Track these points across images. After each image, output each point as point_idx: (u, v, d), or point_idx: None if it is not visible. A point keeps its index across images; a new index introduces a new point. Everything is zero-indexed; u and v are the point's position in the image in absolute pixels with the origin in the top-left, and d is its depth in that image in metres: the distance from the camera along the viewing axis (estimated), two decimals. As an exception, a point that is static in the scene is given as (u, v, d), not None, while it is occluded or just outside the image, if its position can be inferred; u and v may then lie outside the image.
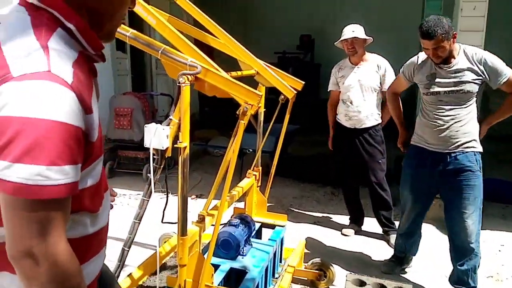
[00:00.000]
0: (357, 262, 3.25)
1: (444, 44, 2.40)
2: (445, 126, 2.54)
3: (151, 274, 2.48)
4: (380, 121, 3.58)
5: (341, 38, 3.47)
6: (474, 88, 2.47)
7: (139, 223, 1.94)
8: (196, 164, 5.73)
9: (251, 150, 4.16)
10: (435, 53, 2.45)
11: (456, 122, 2.52)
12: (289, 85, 2.67)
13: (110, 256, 3.08)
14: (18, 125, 0.72)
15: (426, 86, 2.60)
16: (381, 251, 3.46)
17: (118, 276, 2.01)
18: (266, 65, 2.62)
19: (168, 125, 1.82)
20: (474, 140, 2.55)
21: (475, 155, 2.55)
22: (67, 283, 0.78)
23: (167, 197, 1.94)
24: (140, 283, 2.40)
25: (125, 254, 1.99)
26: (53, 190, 0.74)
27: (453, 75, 2.50)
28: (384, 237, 3.67)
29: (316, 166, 5.85)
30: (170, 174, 1.99)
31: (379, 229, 3.73)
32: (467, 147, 2.54)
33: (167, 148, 1.82)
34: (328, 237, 3.69)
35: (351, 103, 3.52)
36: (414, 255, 3.09)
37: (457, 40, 2.51)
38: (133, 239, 1.98)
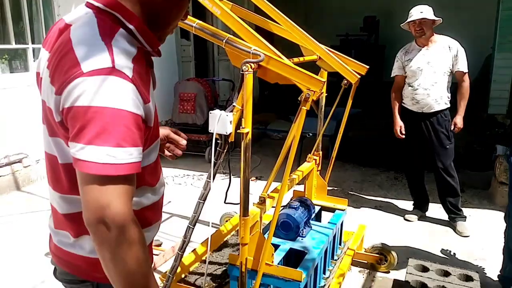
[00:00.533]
0: (419, 248, 3.19)
1: None
2: None
3: (213, 251, 2.62)
4: (449, 105, 3.45)
5: (408, 20, 3.35)
6: None
7: (204, 203, 2.05)
8: (256, 147, 5.83)
9: (311, 134, 4.17)
10: None
11: None
12: (352, 69, 2.64)
13: (177, 232, 3.30)
14: (90, 113, 0.85)
15: None
16: (446, 238, 3.37)
17: (184, 251, 2.15)
18: (328, 50, 2.61)
19: (232, 111, 1.89)
20: None
21: None
22: (133, 248, 0.89)
23: (230, 179, 2.03)
24: (203, 258, 2.55)
25: (190, 231, 2.11)
26: (119, 168, 0.86)
27: None
28: (451, 224, 3.56)
29: (379, 151, 5.72)
30: (232, 157, 2.07)
31: (444, 216, 3.62)
32: None
33: (230, 133, 1.90)
34: (390, 222, 3.65)
35: (419, 86, 3.40)
36: None
37: None
38: (197, 218, 2.10)
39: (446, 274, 2.49)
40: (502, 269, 2.62)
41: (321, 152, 2.94)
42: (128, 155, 0.87)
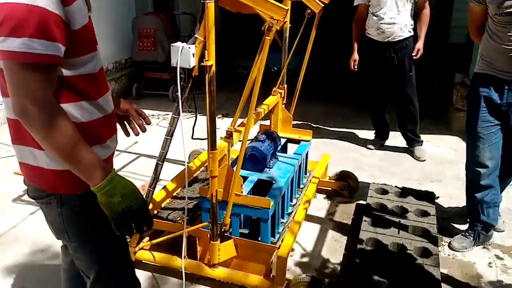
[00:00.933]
0: (380, 173, 3.36)
1: None
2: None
3: (183, 187, 2.67)
4: (412, 33, 3.47)
5: None
6: None
7: (171, 139, 2.05)
8: (220, 83, 5.74)
9: (275, 68, 4.14)
10: None
11: None
12: (314, -3, 2.59)
13: (145, 171, 3.30)
14: (7, 9, 0.97)
15: (500, 3, 2.10)
16: (405, 163, 3.55)
17: (154, 188, 2.18)
18: (290, -23, 2.52)
19: (194, 43, 1.84)
20: None
21: None
22: (58, 124, 1.04)
23: (196, 115, 2.02)
24: (174, 194, 2.60)
25: (159, 168, 2.13)
26: (35, 56, 0.99)
27: None
28: (409, 149, 3.74)
29: (343, 83, 5.79)
30: (197, 94, 2.04)
31: (403, 143, 3.79)
32: None
33: (193, 67, 1.86)
34: (353, 151, 3.80)
35: (384, 15, 3.39)
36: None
37: None
38: (165, 154, 2.11)
39: (404, 195, 2.66)
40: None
41: (286, 85, 2.95)
42: (43, 47, 0.99)
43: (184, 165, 2.99)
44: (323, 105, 5.05)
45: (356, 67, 3.66)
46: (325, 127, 4.40)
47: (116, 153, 3.78)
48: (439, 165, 3.49)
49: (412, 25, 3.46)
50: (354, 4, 3.60)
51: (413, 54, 3.46)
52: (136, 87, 5.40)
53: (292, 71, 4.26)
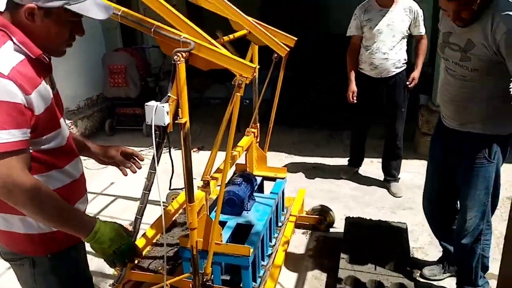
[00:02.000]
0: (355, 203, 3.45)
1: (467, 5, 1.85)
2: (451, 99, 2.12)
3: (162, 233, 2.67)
4: (405, 66, 3.43)
5: None
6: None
7: (149, 193, 2.07)
8: (193, 115, 5.79)
9: (247, 101, 4.22)
10: (457, 16, 1.91)
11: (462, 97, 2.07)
12: (281, 42, 2.69)
13: (123, 215, 3.26)
14: None
15: (440, 46, 2.15)
16: (378, 191, 3.65)
17: (134, 241, 2.18)
18: (257, 23, 2.62)
19: (167, 102, 1.88)
20: (484, 122, 2.04)
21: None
22: (42, 200, 1.15)
23: (173, 168, 2.05)
24: (154, 241, 2.60)
25: (138, 222, 2.13)
26: (4, 146, 1.10)
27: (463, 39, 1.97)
28: (384, 184, 3.72)
29: (314, 110, 5.92)
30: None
31: (375, 171, 3.91)
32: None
33: (168, 124, 1.90)
34: (327, 182, 3.88)
35: (377, 50, 3.32)
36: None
37: None
38: (144, 208, 2.12)
39: (379, 228, 2.75)
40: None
41: (258, 124, 3.02)
42: (11, 136, 1.10)
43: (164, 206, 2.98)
44: (297, 133, 5.15)
45: (354, 98, 3.50)
46: (299, 156, 4.49)
47: (92, 196, 3.74)
48: (410, 191, 3.61)
49: (405, 59, 3.41)
50: (347, 35, 3.51)
51: (408, 82, 3.41)
52: (109, 123, 5.38)
53: (265, 100, 4.37)
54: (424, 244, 2.87)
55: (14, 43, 1.19)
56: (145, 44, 6.24)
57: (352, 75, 3.52)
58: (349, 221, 2.85)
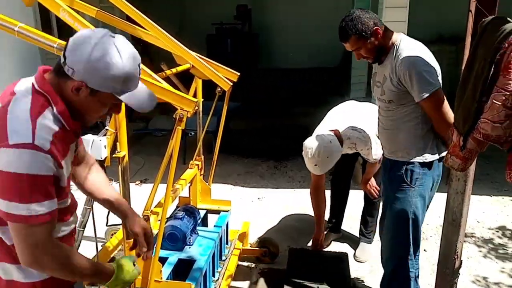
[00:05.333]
0: (298, 234, 3.49)
1: (361, 45, 2.08)
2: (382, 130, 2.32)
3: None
4: None
5: None
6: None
7: (83, 230, 1.98)
8: (138, 146, 5.68)
9: (192, 133, 4.21)
10: (359, 55, 2.15)
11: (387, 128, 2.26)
12: (224, 76, 2.73)
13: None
14: (12, 177, 1.10)
15: (371, 87, 2.36)
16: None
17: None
18: (200, 58, 2.65)
19: (105, 135, 1.84)
20: (407, 149, 2.17)
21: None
22: (69, 263, 1.21)
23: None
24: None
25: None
26: (37, 219, 1.13)
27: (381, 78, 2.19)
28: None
29: (259, 140, 6.02)
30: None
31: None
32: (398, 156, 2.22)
33: (105, 158, 1.85)
34: (272, 213, 3.89)
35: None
36: None
37: (382, 17, 2.38)
38: (79, 245, 2.03)
39: (321, 258, 2.79)
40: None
41: (202, 157, 3.01)
42: (44, 207, 1.14)
43: (103, 242, 2.84)
44: (242, 164, 5.18)
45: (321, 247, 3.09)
46: (244, 187, 4.50)
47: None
48: (350, 220, 3.67)
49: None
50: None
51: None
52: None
53: (211, 132, 4.38)
54: (365, 272, 2.94)
55: (53, 112, 1.19)
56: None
57: (320, 220, 3.06)
58: (292, 252, 2.87)
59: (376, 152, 2.70)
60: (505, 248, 3.24)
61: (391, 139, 2.25)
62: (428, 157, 2.15)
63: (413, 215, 2.19)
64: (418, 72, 1.98)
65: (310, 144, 2.62)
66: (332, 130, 2.70)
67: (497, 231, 3.49)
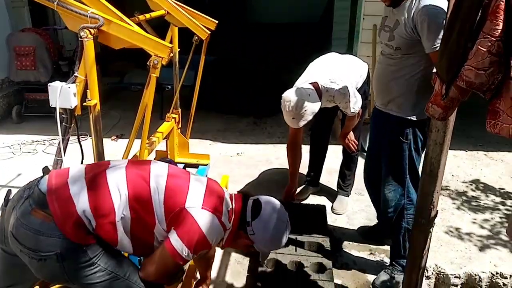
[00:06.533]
0: (279, 188, 3.49)
1: None
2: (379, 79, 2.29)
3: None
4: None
5: None
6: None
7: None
8: (113, 101, 5.51)
9: (169, 86, 4.08)
10: None
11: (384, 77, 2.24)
12: (202, 24, 2.61)
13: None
14: (199, 233, 1.48)
15: (378, 31, 2.29)
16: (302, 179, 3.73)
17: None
18: (176, 4, 2.52)
19: (74, 82, 1.74)
20: (399, 103, 2.19)
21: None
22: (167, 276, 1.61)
23: (82, 154, 1.91)
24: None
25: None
26: (183, 260, 1.50)
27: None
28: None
29: (239, 97, 5.91)
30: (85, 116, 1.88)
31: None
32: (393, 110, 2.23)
33: (75, 107, 1.76)
34: (252, 167, 3.88)
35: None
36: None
37: None
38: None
39: (299, 210, 2.80)
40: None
41: (180, 110, 2.93)
42: (189, 258, 1.52)
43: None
44: (222, 120, 5.10)
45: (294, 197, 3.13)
46: (223, 143, 4.46)
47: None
48: (328, 174, 3.68)
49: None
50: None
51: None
52: (17, 110, 4.92)
53: (188, 86, 4.26)
54: (342, 224, 2.99)
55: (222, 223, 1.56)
56: (58, 25, 5.77)
57: (294, 174, 3.04)
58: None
59: (354, 105, 2.67)
60: (477, 200, 3.33)
61: (386, 90, 2.24)
62: (418, 117, 2.16)
63: (409, 166, 2.25)
64: (437, 23, 1.92)
65: (289, 96, 2.56)
66: (311, 83, 2.64)
67: (471, 184, 3.58)
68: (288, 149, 3.00)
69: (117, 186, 1.46)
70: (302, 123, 2.63)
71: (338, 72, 2.75)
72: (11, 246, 1.46)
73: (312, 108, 2.57)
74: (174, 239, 1.46)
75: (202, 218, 1.48)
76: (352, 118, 2.83)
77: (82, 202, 1.41)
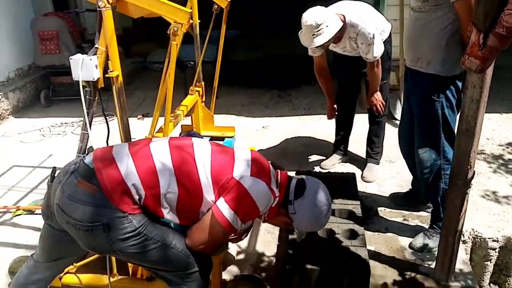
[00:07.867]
0: (303, 160, 3.45)
1: None
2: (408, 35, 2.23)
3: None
4: (385, 37, 2.82)
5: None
6: None
7: (84, 156, 1.92)
8: (138, 82, 5.54)
9: (192, 62, 4.04)
10: None
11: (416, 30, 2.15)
12: (221, -8, 2.55)
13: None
14: (243, 192, 1.49)
15: None
16: (329, 149, 3.66)
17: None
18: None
19: (95, 54, 1.72)
20: (428, 59, 2.10)
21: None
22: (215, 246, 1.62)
23: (108, 128, 1.91)
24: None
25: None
26: (233, 230, 1.53)
27: None
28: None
29: (262, 70, 5.84)
30: (110, 97, 1.89)
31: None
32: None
33: (98, 79, 1.75)
34: (277, 139, 3.83)
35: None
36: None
37: None
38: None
39: (329, 179, 2.74)
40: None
41: (203, 83, 2.90)
42: (239, 227, 1.54)
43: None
44: (246, 94, 5.05)
45: (335, 114, 3.16)
46: (249, 117, 4.42)
47: (29, 169, 3.48)
48: (356, 143, 3.58)
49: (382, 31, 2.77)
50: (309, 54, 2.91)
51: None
52: (44, 94, 5.02)
53: (210, 62, 4.22)
54: (373, 191, 2.93)
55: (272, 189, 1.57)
56: (79, 8, 5.79)
57: (329, 92, 3.11)
58: (300, 172, 2.83)
59: (377, 50, 2.59)
60: (515, 163, 3.19)
61: (415, 46, 2.17)
62: (448, 72, 2.07)
63: (443, 125, 2.17)
64: None
65: (310, 13, 2.48)
66: (338, 14, 2.58)
67: (507, 147, 3.43)
68: (318, 75, 3.04)
69: (162, 160, 1.47)
70: (319, 41, 2.47)
71: (367, 14, 2.71)
72: (58, 219, 1.48)
73: (331, 26, 2.47)
74: (224, 206, 1.46)
75: (252, 184, 1.48)
76: (374, 70, 2.74)
77: (129, 173, 1.43)
